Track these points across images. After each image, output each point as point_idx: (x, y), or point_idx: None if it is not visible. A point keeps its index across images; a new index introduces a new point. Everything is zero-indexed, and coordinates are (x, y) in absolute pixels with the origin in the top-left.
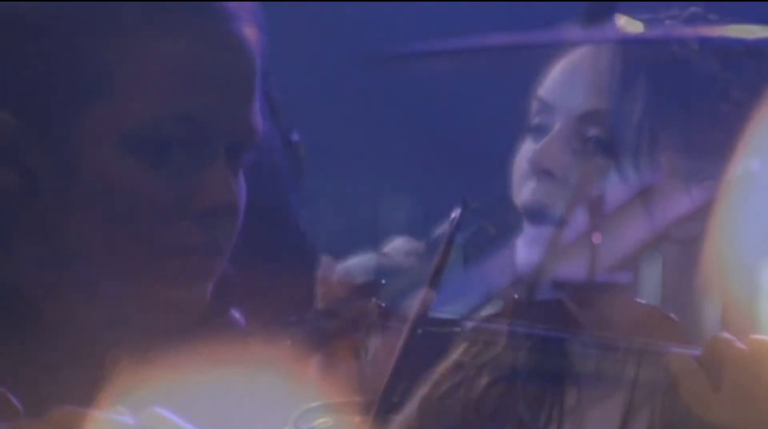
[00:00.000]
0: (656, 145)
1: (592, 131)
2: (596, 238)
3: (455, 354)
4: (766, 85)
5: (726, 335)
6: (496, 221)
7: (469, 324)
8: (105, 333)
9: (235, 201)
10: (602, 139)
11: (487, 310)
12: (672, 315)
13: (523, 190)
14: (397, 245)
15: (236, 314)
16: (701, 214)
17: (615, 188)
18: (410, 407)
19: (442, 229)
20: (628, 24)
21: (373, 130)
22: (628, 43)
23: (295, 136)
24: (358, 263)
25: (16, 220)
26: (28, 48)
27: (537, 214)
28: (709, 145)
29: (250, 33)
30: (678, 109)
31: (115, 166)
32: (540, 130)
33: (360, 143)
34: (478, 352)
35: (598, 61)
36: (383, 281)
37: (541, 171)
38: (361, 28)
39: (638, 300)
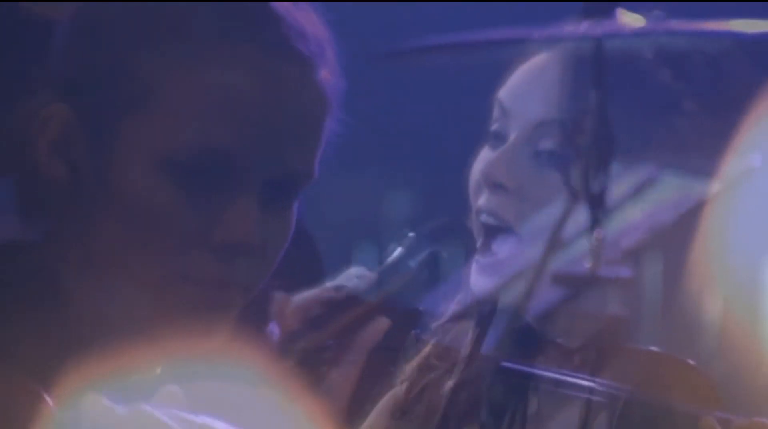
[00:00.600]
0: (609, 156)
1: (547, 143)
2: (597, 233)
3: (421, 356)
4: (718, 94)
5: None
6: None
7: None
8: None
9: (256, 242)
10: (556, 150)
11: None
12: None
13: (478, 200)
14: (351, 275)
15: (271, 328)
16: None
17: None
18: (380, 407)
19: (393, 257)
20: (627, 18)
21: (375, 128)
22: (583, 51)
23: None
24: (312, 295)
25: (57, 212)
26: (96, 49)
27: (490, 226)
28: (662, 156)
29: (324, 79)
30: (630, 119)
31: (144, 183)
32: (497, 137)
33: (363, 141)
34: (443, 354)
35: (554, 70)
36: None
37: (493, 184)
38: (364, 25)
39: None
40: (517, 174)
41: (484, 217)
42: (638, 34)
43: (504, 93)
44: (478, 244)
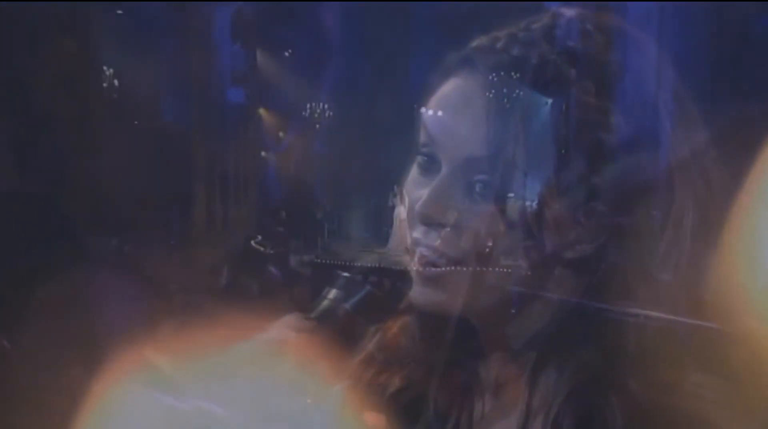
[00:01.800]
0: (537, 184)
1: (479, 175)
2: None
3: (365, 352)
4: (641, 107)
5: None
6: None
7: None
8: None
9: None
10: (489, 180)
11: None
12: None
13: (414, 231)
14: (287, 322)
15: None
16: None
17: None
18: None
19: (328, 300)
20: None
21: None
22: (501, 76)
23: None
24: (249, 349)
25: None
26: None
27: (428, 257)
28: (592, 179)
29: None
30: (555, 142)
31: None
32: (431, 161)
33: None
34: (387, 349)
35: (477, 99)
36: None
37: (430, 223)
38: None
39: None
40: (453, 209)
41: (422, 250)
42: None
43: (429, 119)
44: (416, 260)
